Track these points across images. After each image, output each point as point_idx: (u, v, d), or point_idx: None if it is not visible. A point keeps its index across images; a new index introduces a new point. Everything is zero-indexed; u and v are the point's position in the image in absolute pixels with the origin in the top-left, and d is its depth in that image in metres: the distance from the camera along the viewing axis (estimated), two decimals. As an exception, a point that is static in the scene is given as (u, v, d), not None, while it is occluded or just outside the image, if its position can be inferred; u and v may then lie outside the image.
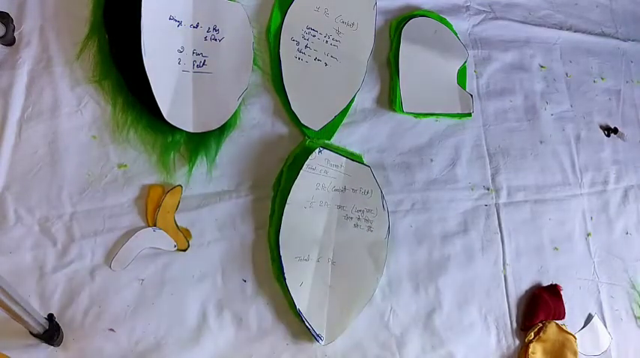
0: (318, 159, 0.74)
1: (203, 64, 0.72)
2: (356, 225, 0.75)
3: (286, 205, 0.71)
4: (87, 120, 0.68)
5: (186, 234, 0.69)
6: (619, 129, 1.00)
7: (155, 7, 0.68)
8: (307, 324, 0.70)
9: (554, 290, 0.84)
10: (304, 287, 0.71)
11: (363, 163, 0.78)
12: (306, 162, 0.73)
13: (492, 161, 0.88)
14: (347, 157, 0.76)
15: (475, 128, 0.89)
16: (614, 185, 0.97)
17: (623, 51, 1.07)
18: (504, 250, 0.85)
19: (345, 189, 0.76)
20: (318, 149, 0.74)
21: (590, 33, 1.05)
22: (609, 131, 1.00)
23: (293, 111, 0.76)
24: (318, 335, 0.70)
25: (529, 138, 0.92)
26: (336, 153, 0.76)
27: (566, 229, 0.90)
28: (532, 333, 0.81)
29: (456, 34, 0.91)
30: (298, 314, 0.70)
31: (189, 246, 0.69)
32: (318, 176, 0.74)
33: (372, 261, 0.74)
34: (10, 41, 0.67)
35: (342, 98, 0.80)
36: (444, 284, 0.79)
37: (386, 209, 0.76)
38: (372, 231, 0.76)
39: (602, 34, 1.06)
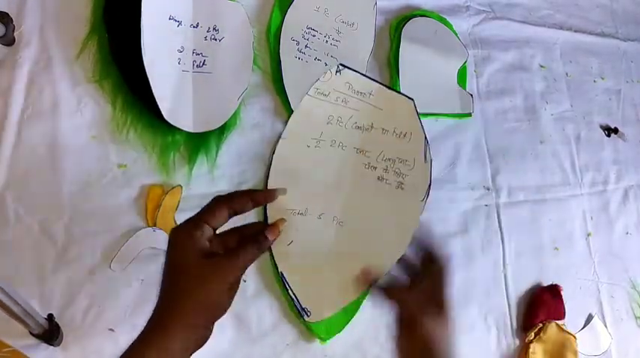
0: (335, 81, 0.58)
1: (203, 63, 0.72)
2: (381, 178, 0.59)
3: (280, 139, 0.57)
4: (87, 120, 0.68)
5: (186, 234, 0.69)
6: (619, 129, 1.00)
7: (155, 7, 0.68)
8: (291, 294, 0.59)
9: (554, 291, 0.84)
10: (293, 248, 0.57)
11: (404, 94, 0.60)
12: (314, 85, 0.58)
13: (492, 161, 0.88)
14: (382, 84, 0.59)
15: (475, 128, 0.89)
16: (614, 185, 0.97)
17: (624, 51, 1.07)
18: (504, 250, 0.85)
19: (371, 127, 0.58)
20: (336, 67, 0.58)
21: (590, 33, 1.05)
22: (609, 131, 1.00)
23: (293, 111, 0.76)
24: (303, 309, 0.59)
25: (529, 138, 0.93)
26: (366, 76, 0.59)
27: (567, 229, 0.90)
28: (532, 333, 0.81)
29: (456, 33, 0.91)
30: (281, 279, 0.58)
31: (189, 246, 0.69)
32: (333, 105, 0.58)
33: (397, 228, 0.58)
34: (9, 41, 0.67)
35: (342, 98, 0.80)
36: (444, 284, 0.79)
37: (428, 161, 0.60)
38: (403, 188, 0.60)
39: (603, 34, 1.06)
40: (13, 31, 0.67)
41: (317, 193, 0.57)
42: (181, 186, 0.70)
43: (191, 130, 0.70)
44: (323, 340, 0.71)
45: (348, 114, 0.57)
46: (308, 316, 0.59)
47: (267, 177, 0.57)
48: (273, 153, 0.57)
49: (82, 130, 0.68)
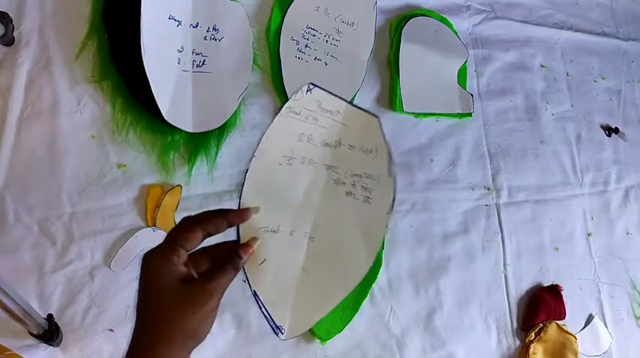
0: (305, 100, 0.57)
1: (203, 63, 0.72)
2: (349, 193, 0.58)
3: (253, 158, 0.56)
4: (86, 120, 0.68)
5: (186, 234, 0.69)
6: (620, 129, 1.00)
7: (155, 7, 0.68)
8: (264, 311, 0.58)
9: (554, 291, 0.84)
10: (267, 266, 0.56)
11: (369, 112, 0.59)
12: (286, 104, 0.56)
13: (493, 161, 0.88)
14: (348, 102, 0.59)
15: (475, 128, 0.89)
16: (614, 185, 0.97)
17: (624, 51, 1.07)
18: (505, 250, 0.85)
19: (339, 144, 0.58)
20: (306, 86, 0.58)
21: (590, 33, 1.04)
22: (610, 131, 1.00)
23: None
24: (278, 328, 0.58)
25: (530, 138, 0.92)
26: (334, 95, 0.58)
27: (567, 229, 0.90)
28: (533, 333, 0.80)
29: (456, 33, 0.90)
30: (254, 297, 0.58)
31: (188, 246, 0.68)
32: (304, 124, 0.57)
33: (365, 241, 0.58)
34: (9, 41, 0.67)
35: (342, 98, 0.80)
36: (445, 284, 0.79)
37: (393, 176, 0.58)
38: (369, 202, 0.59)
39: (603, 34, 1.06)
40: (13, 31, 0.67)
41: (289, 210, 0.58)
42: (181, 186, 0.69)
43: (191, 130, 0.70)
44: (323, 340, 0.71)
45: (318, 132, 0.57)
46: (282, 334, 0.58)
47: (239, 197, 0.57)
48: (246, 172, 0.56)
49: (81, 130, 0.68)
